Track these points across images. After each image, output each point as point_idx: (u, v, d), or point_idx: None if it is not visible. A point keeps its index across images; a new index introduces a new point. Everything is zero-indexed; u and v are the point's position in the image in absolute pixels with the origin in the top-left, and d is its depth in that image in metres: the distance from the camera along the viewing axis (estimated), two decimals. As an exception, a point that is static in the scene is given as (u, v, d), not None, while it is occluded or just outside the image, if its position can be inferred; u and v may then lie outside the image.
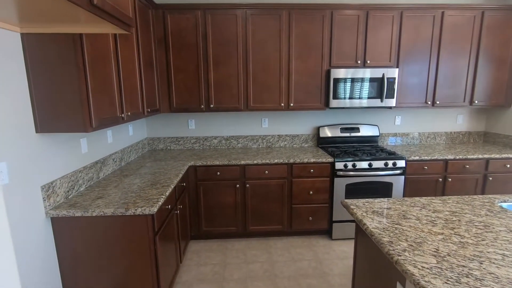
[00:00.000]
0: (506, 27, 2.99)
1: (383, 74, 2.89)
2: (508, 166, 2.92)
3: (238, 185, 2.79)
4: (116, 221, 1.68)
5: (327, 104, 2.98)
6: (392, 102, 2.96)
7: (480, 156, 2.88)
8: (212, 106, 2.92)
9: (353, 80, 2.90)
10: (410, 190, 2.91)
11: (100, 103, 1.71)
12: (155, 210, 1.68)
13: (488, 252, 1.17)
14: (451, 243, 1.24)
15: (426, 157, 2.84)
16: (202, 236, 3.00)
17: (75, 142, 1.94)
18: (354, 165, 2.78)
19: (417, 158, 2.84)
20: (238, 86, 2.90)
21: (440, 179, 2.91)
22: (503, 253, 1.16)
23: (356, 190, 2.84)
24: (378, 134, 3.33)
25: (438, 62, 3.00)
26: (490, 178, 2.93)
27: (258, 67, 2.89)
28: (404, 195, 2.90)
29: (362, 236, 1.65)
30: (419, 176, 2.89)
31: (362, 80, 2.90)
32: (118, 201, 1.76)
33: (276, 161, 2.76)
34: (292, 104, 2.97)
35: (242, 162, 2.74)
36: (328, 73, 2.93)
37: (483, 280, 1.00)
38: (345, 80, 2.89)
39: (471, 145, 3.36)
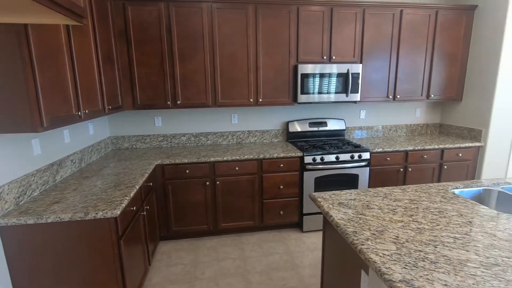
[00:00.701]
0: (457, 25, 3.21)
1: (348, 70, 2.98)
2: (460, 155, 3.16)
3: (208, 183, 2.75)
4: (75, 227, 1.58)
5: (295, 99, 3.02)
6: (357, 96, 3.07)
7: (436, 147, 3.08)
8: (179, 102, 2.83)
9: (319, 76, 2.96)
10: (375, 181, 3.05)
11: (52, 100, 1.58)
12: (118, 212, 1.59)
13: (442, 236, 1.25)
14: (410, 229, 1.31)
15: (388, 149, 2.99)
16: (172, 236, 2.92)
17: (25, 143, 1.78)
18: (322, 159, 2.85)
19: (380, 150, 2.98)
20: (205, 82, 2.84)
21: (402, 169, 3.08)
22: (454, 236, 1.25)
23: (325, 183, 2.92)
24: (344, 127, 3.44)
25: (398, 59, 3.16)
26: (445, 167, 3.16)
27: (226, 62, 2.85)
28: (369, 186, 3.04)
29: (329, 227, 1.70)
30: (382, 167, 3.03)
31: (328, 75, 2.97)
32: (77, 205, 1.65)
33: (246, 157, 2.75)
34: (261, 100, 2.96)
35: (212, 159, 2.70)
36: (295, 69, 2.96)
37: (437, 263, 1.06)
38: (312, 75, 2.94)
39: (428, 136, 3.60)
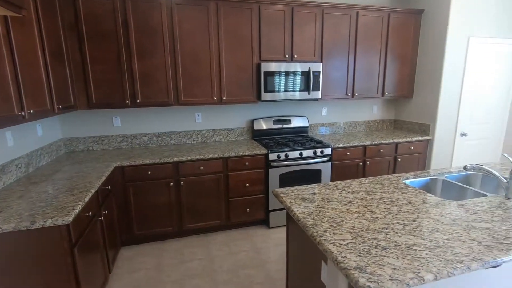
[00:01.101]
0: (406, 28, 3.45)
1: (309, 68, 3.07)
2: (412, 148, 3.41)
3: (172, 183, 2.67)
4: (21, 237, 1.44)
5: (259, 97, 3.05)
6: (318, 94, 3.18)
7: (391, 141, 3.30)
8: (139, 101, 2.71)
9: (282, 74, 3.01)
10: (337, 175, 3.18)
11: (-12, 99, 1.43)
12: (70, 219, 1.49)
13: (393, 224, 1.34)
14: (365, 219, 1.38)
15: (348, 144, 3.14)
16: (135, 241, 2.80)
17: (-43, 147, 1.59)
18: (286, 155, 2.91)
19: (341, 145, 3.11)
20: (166, 79, 2.75)
21: (361, 163, 3.25)
22: (404, 223, 1.34)
23: (290, 179, 2.98)
24: (307, 124, 3.55)
25: (355, 58, 3.32)
26: (399, 159, 3.39)
27: (187, 59, 2.78)
28: (331, 180, 3.16)
29: (292, 222, 1.74)
30: (343, 161, 3.18)
31: (290, 73, 3.03)
32: (22, 214, 1.51)
33: (211, 156, 2.72)
34: (224, 98, 2.94)
35: (175, 159, 2.62)
36: (258, 67, 2.99)
37: (388, 248, 1.14)
38: (275, 73, 2.98)
39: (384, 131, 3.83)
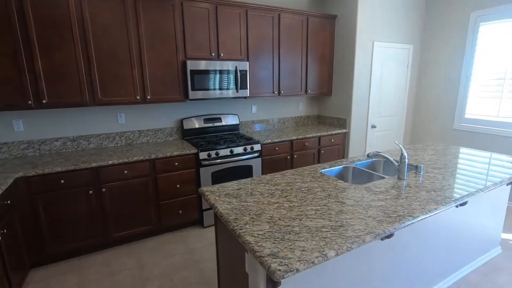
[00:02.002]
0: (323, 31, 3.78)
1: (236, 67, 3.13)
2: (333, 140, 3.77)
3: (91, 191, 2.44)
4: None
5: (186, 96, 2.98)
6: (246, 92, 3.26)
7: (314, 135, 3.59)
8: (45, 101, 2.40)
9: (209, 72, 3.00)
10: (267, 169, 3.33)
11: None
12: (-50, 244, 1.24)
13: (307, 210, 1.47)
14: (283, 208, 1.49)
15: (276, 140, 3.31)
16: (48, 260, 2.49)
17: None
18: (217, 154, 2.92)
19: (269, 141, 3.26)
20: (79, 77, 2.49)
21: (289, 157, 3.46)
22: (316, 209, 1.48)
23: (222, 177, 3.01)
24: (238, 122, 3.61)
25: (280, 58, 3.50)
26: (322, 151, 3.71)
27: (104, 55, 2.56)
28: (262, 174, 3.29)
29: (219, 218, 1.76)
30: (272, 156, 3.34)
31: (218, 72, 3.04)
32: None
33: (136, 158, 2.57)
34: (149, 97, 2.80)
35: (94, 165, 2.40)
36: (184, 65, 2.92)
37: (300, 233, 1.25)
38: (202, 72, 2.96)
39: (309, 126, 4.14)
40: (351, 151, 3.91)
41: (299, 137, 3.46)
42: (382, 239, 1.59)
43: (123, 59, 2.64)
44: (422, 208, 1.48)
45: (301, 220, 1.36)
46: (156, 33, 2.74)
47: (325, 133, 3.67)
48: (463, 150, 2.68)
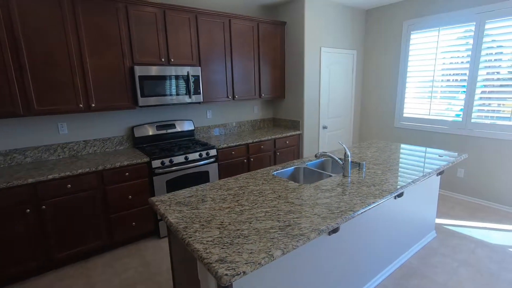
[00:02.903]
0: (274, 37, 3.90)
1: (188, 72, 3.09)
2: (287, 142, 3.90)
3: (28, 210, 2.22)
4: None
5: (136, 103, 2.87)
6: (200, 98, 3.24)
7: (270, 138, 3.68)
8: (-32, 113, 2.14)
9: (160, 78, 2.92)
10: (224, 174, 3.33)
11: None
12: None
13: (257, 213, 1.51)
14: (234, 213, 1.51)
15: (232, 144, 3.33)
16: (-20, 290, 2.21)
17: None
18: (171, 161, 2.85)
19: (225, 145, 3.27)
20: (9, 85, 2.26)
21: (245, 160, 3.50)
22: (266, 211, 1.53)
23: (177, 184, 2.94)
24: (193, 128, 3.57)
25: (232, 63, 3.54)
26: (278, 153, 3.82)
27: (39, 61, 2.36)
28: (219, 179, 3.28)
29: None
30: (229, 160, 3.35)
31: (169, 77, 2.98)
32: None
33: (81, 171, 2.40)
34: (94, 105, 2.64)
35: (31, 180, 2.19)
36: (132, 71, 2.81)
37: (249, 236, 1.28)
38: (151, 77, 2.87)
39: (265, 129, 4.24)
40: (305, 152, 4.08)
41: (254, 141, 3.52)
42: (329, 234, 1.69)
43: (62, 65, 2.46)
44: (362, 203, 1.60)
45: (250, 223, 1.39)
46: (99, 38, 2.60)
47: (280, 136, 3.78)
48: (401, 146, 2.96)
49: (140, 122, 3.27)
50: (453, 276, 2.31)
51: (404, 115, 4.23)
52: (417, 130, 4.08)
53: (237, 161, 3.42)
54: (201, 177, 3.10)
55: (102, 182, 2.54)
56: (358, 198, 1.67)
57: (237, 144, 3.37)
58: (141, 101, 2.84)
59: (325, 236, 1.69)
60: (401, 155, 2.59)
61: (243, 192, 1.79)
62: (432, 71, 3.81)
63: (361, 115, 4.83)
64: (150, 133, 3.25)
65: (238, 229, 1.33)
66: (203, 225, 1.38)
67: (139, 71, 2.79)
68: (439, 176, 2.76)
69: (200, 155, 3.05)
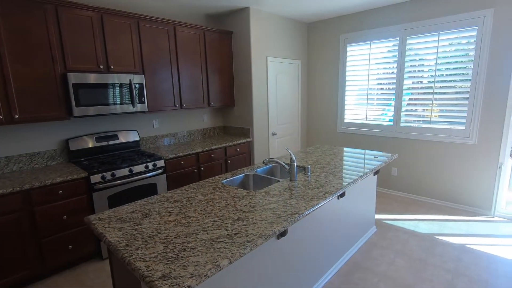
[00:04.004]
0: (221, 45, 3.93)
1: (130, 80, 2.93)
2: (238, 149, 3.92)
3: None
4: None
5: (70, 113, 2.63)
6: (144, 107, 3.09)
7: (220, 146, 3.66)
8: None
9: (98, 86, 2.72)
10: (173, 185, 3.21)
11: None
12: None
13: (205, 223, 1.48)
14: (180, 225, 1.46)
15: (181, 154, 3.23)
16: None
17: None
18: (113, 175, 2.66)
19: (174, 156, 3.16)
20: None
21: (195, 170, 3.42)
22: (214, 220, 1.51)
23: (121, 200, 2.74)
24: (138, 138, 3.38)
25: (179, 71, 3.46)
26: (229, 161, 3.82)
27: None
28: (168, 190, 3.15)
29: (112, 247, 1.60)
30: (178, 171, 3.24)
31: (109, 85, 2.79)
32: None
33: (1, 191, 2.10)
34: (17, 116, 2.35)
35: None
36: (65, 78, 2.57)
37: (195, 248, 1.24)
38: (88, 85, 2.66)
39: (216, 138, 4.21)
40: (256, 158, 4.14)
41: (204, 149, 3.47)
42: (278, 238, 1.73)
43: (-25, 71, 2.15)
44: (307, 205, 1.68)
45: (197, 234, 1.36)
46: (24, 42, 2.33)
47: (230, 143, 3.78)
48: (343, 149, 3.18)
49: (77, 134, 3.00)
50: (391, 266, 2.53)
51: (345, 120, 4.57)
52: (357, 134, 4.44)
53: (187, 171, 3.33)
54: (148, 190, 2.94)
55: (30, 203, 2.25)
56: (303, 201, 1.74)
57: (186, 153, 3.28)
58: (76, 111, 2.60)
59: (274, 240, 1.72)
60: (342, 158, 2.79)
61: (191, 203, 1.74)
62: (367, 80, 4.21)
63: (307, 122, 5.09)
64: (89, 146, 2.99)
65: (184, 242, 1.29)
66: (146, 241, 1.31)
67: (73, 78, 2.57)
68: (376, 176, 3.03)
69: (146, 166, 2.90)
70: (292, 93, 4.66)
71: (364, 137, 4.37)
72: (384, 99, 4.10)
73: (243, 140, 3.97)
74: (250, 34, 3.82)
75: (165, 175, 3.06)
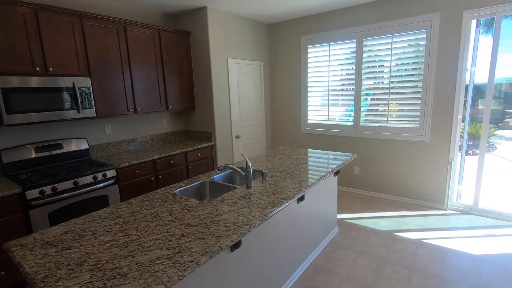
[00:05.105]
0: (179, 46, 3.75)
1: (74, 83, 2.68)
2: (200, 154, 3.77)
3: None
4: None
5: (0, 121, 2.33)
6: (92, 112, 2.85)
7: (180, 151, 3.49)
8: None
9: (35, 90, 2.45)
10: (129, 196, 2.98)
11: None
12: None
13: (145, 242, 1.33)
14: (117, 247, 1.30)
15: (135, 162, 3.02)
16: None
17: None
18: (54, 189, 2.40)
19: (127, 164, 2.94)
20: None
21: (153, 178, 3.22)
22: (156, 238, 1.37)
23: (65, 216, 2.48)
24: (87, 146, 3.11)
25: (132, 73, 3.24)
26: (191, 167, 3.65)
27: None
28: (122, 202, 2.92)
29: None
30: (133, 180, 3.02)
31: (48, 89, 2.52)
32: None
33: None
34: None
35: None
36: (-8, 82, 2.27)
37: (128, 273, 1.10)
38: (22, 90, 2.38)
39: (176, 143, 4.02)
40: (219, 163, 4.02)
41: (162, 156, 3.28)
42: (231, 250, 1.63)
43: None
44: (260, 214, 1.60)
45: (134, 256, 1.22)
46: None
47: (191, 148, 3.62)
48: (304, 151, 3.16)
49: (11, 145, 2.68)
50: (353, 266, 2.54)
51: (309, 121, 4.59)
52: (321, 134, 4.48)
53: (144, 180, 3.12)
54: (99, 203, 2.70)
55: None
56: (257, 209, 1.66)
57: (142, 161, 3.08)
58: (7, 119, 2.31)
59: (226, 253, 1.62)
60: (302, 160, 2.76)
61: (134, 219, 1.59)
62: (327, 82, 4.26)
63: (272, 123, 5.06)
64: (29, 157, 2.68)
65: (116, 267, 1.14)
66: (71, 269, 1.14)
67: (4, 82, 2.28)
68: (337, 176, 3.05)
69: (95, 177, 2.66)
70: (255, 94, 4.59)
71: (327, 138, 4.42)
72: (348, 99, 4.16)
73: (205, 144, 3.82)
74: (209, 34, 3.69)
75: (117, 185, 2.84)
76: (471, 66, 3.31)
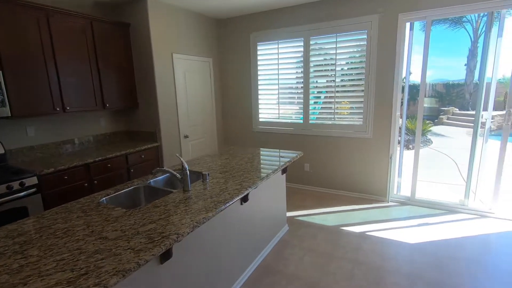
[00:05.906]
0: (116, 38, 3.44)
1: (-21, 78, 2.28)
2: (143, 156, 3.51)
3: None
4: None
5: None
6: (6, 111, 2.46)
7: (119, 153, 3.19)
8: None
9: None
10: (56, 206, 2.63)
11: None
12: None
13: (46, 264, 1.13)
14: (7, 273, 1.08)
15: (63, 167, 2.68)
16: None
17: None
18: (-48, 203, 2.01)
19: (52, 170, 2.59)
20: None
21: (86, 184, 2.90)
22: (61, 258, 1.17)
23: (-31, 234, 2.09)
24: (3, 151, 2.69)
25: (58, 67, 2.87)
26: (132, 170, 3.37)
27: None
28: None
29: None
30: (61, 188, 2.68)
31: None
32: None
33: None
34: None
35: None
36: None
37: (11, 308, 0.91)
38: None
39: (117, 144, 3.69)
40: (166, 165, 3.78)
41: (97, 159, 2.96)
42: (161, 262, 1.48)
43: None
44: (192, 220, 1.47)
45: (26, 284, 1.01)
46: None
47: (132, 150, 3.34)
48: (252, 150, 3.09)
49: None
50: (300, 265, 2.53)
51: (260, 119, 4.55)
52: (272, 132, 4.47)
53: (74, 187, 2.79)
54: (16, 217, 2.33)
55: None
56: (189, 216, 1.53)
57: (72, 165, 2.74)
58: None
59: (155, 266, 1.46)
60: (248, 160, 2.68)
61: (40, 236, 1.35)
62: (277, 79, 4.25)
63: (223, 122, 4.93)
64: None
65: (-3, 301, 0.94)
66: None
67: None
68: (285, 174, 3.03)
69: (9, 187, 2.29)
70: (204, 92, 4.42)
71: (278, 136, 4.42)
72: (294, 97, 4.19)
73: (149, 145, 3.56)
74: (150, 27, 3.43)
75: (40, 194, 2.49)
76: (407, 67, 3.53)
